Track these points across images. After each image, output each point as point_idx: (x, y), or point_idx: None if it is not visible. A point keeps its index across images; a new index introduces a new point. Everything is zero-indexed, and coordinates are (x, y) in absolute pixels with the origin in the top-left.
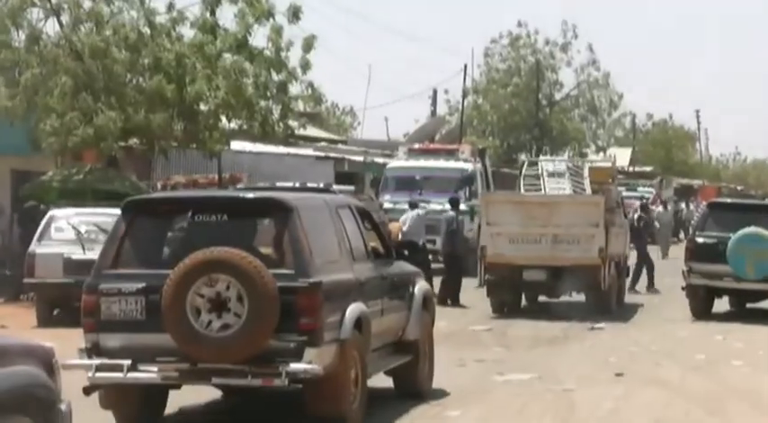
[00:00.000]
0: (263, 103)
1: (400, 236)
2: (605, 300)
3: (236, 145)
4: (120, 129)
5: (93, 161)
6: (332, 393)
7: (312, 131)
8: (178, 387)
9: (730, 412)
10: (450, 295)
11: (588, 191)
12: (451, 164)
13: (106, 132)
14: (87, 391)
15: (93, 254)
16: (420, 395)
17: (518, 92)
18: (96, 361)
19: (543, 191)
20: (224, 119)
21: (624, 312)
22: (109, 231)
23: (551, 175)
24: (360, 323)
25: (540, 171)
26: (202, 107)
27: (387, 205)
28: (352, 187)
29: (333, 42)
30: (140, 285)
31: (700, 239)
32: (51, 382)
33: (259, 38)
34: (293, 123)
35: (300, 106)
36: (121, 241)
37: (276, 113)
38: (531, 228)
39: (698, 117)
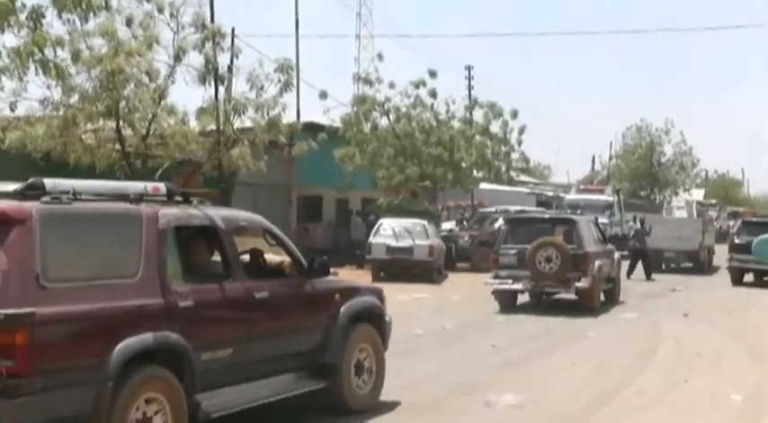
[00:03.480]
0: (496, 163)
1: None
2: (702, 265)
3: (482, 186)
4: (418, 176)
5: (404, 193)
6: (591, 297)
7: (524, 178)
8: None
9: (746, 336)
10: (646, 272)
11: (695, 215)
12: (601, 197)
13: (411, 178)
14: (493, 293)
15: (402, 243)
16: (615, 302)
17: (640, 157)
18: (497, 281)
19: (674, 215)
20: (475, 171)
21: (704, 277)
22: (411, 231)
23: (678, 208)
24: (600, 267)
25: (669, 206)
26: (463, 165)
27: None
28: (543, 209)
29: (538, 127)
30: (515, 251)
31: (736, 240)
32: (382, 305)
33: (494, 127)
34: (513, 174)
35: (517, 164)
36: (506, 235)
37: (504, 169)
38: (670, 232)
39: (743, 172)
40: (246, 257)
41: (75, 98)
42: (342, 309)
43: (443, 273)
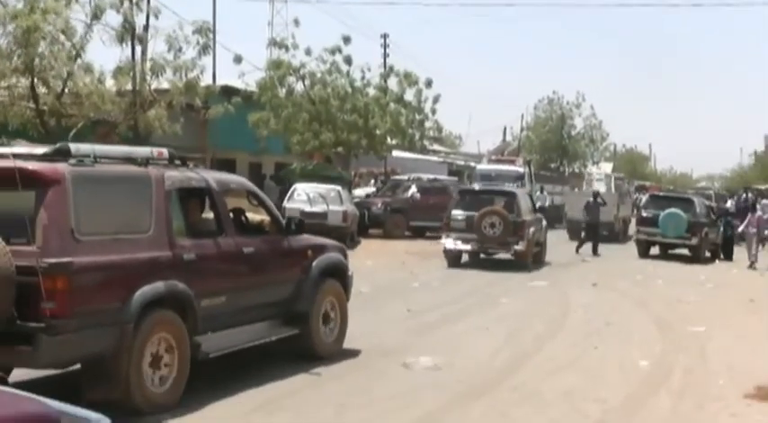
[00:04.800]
0: (410, 131)
1: None
2: (617, 235)
3: (395, 153)
4: (333, 142)
5: (318, 159)
6: (525, 257)
7: (437, 147)
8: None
9: (652, 305)
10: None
11: (613, 188)
12: (512, 168)
13: (326, 144)
14: (444, 252)
15: (316, 208)
16: (542, 263)
17: (551, 130)
18: (449, 240)
19: (592, 188)
20: (389, 138)
21: (615, 247)
22: (325, 196)
23: (597, 180)
24: (533, 233)
25: (590, 178)
26: (377, 132)
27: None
28: (455, 178)
29: (451, 97)
30: (463, 217)
31: (644, 213)
32: (346, 261)
33: (409, 95)
34: (426, 142)
35: (431, 133)
36: (457, 202)
37: (417, 137)
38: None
39: (650, 147)
40: (230, 216)
41: None
42: (313, 264)
43: (357, 239)
